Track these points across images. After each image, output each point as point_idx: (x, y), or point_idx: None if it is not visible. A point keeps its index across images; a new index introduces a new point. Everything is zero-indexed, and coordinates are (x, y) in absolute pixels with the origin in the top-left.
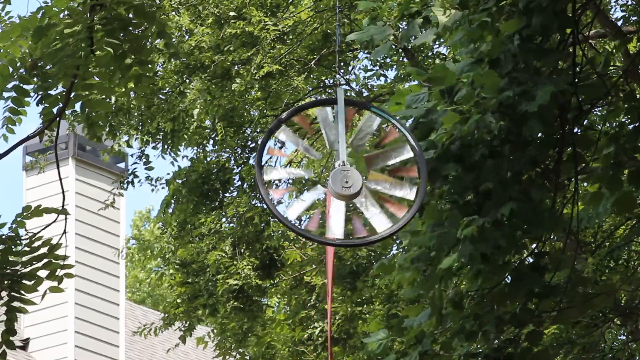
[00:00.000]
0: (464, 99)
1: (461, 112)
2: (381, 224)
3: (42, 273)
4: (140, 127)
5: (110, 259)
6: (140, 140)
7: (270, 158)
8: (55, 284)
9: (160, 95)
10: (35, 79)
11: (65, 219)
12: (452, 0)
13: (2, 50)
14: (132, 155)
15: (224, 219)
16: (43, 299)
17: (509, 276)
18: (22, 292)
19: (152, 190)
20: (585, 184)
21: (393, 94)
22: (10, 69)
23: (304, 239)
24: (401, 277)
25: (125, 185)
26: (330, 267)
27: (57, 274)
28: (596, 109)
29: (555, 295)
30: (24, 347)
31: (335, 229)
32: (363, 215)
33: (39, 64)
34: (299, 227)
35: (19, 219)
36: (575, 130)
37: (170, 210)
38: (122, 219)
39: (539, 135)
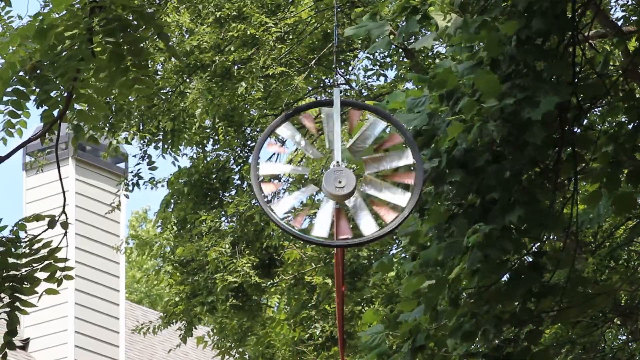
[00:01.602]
0: (465, 108)
1: (464, 120)
2: (373, 226)
3: (42, 275)
4: (141, 127)
5: (110, 259)
6: (142, 138)
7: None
8: (54, 285)
9: (161, 95)
10: (35, 82)
11: (66, 223)
12: (452, 4)
13: (2, 58)
14: (134, 156)
15: (223, 218)
16: (39, 300)
17: (507, 275)
18: (23, 294)
19: (152, 188)
20: (584, 184)
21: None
22: (10, 73)
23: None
24: (408, 284)
25: (130, 187)
26: (340, 267)
27: (56, 276)
28: (596, 109)
29: (554, 294)
30: (24, 347)
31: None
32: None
33: (38, 71)
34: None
35: (19, 222)
36: (575, 129)
37: (170, 210)
38: (122, 219)
39: None
